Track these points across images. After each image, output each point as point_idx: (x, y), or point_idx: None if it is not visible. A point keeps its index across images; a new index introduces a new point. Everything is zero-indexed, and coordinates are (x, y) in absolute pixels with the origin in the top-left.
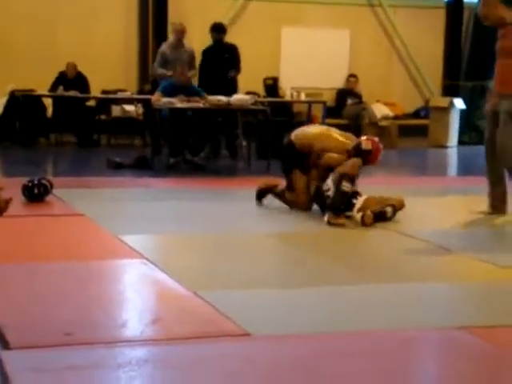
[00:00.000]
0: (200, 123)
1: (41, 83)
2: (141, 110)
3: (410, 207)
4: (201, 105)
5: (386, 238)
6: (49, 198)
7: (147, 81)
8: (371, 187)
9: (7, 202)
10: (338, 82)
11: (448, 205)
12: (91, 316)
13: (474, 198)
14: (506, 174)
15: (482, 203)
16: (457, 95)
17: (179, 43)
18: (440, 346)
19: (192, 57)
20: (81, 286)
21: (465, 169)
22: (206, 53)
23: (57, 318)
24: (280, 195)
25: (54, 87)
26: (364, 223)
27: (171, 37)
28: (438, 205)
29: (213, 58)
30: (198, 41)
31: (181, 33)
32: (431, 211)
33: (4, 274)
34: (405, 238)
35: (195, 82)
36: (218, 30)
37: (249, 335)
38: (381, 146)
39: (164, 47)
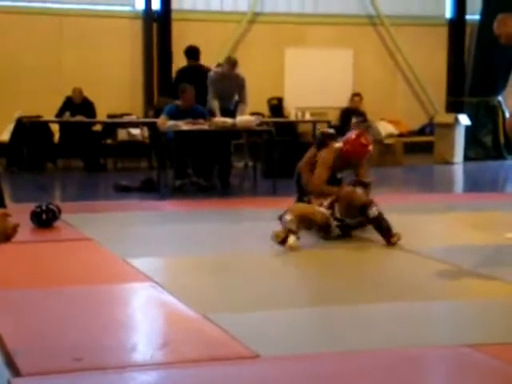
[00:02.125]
0: (205, 145)
1: (48, 109)
2: (147, 133)
3: (417, 224)
4: (206, 127)
5: (394, 255)
6: (57, 223)
7: (152, 105)
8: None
9: (14, 227)
10: (343, 101)
11: (455, 221)
12: (101, 340)
13: (482, 214)
14: None
15: (491, 219)
16: (461, 111)
17: (229, 72)
18: (450, 364)
19: (241, 86)
20: (90, 311)
21: (471, 185)
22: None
23: (67, 343)
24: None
25: (60, 113)
26: (392, 243)
27: (224, 66)
28: (445, 221)
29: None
30: (203, 64)
31: (231, 65)
32: (438, 228)
33: (13, 299)
34: (412, 255)
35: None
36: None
37: (258, 357)
38: (365, 138)
39: (213, 76)
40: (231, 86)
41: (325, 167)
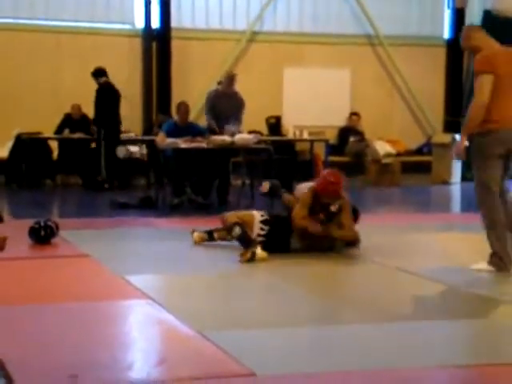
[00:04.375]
0: (204, 163)
1: (47, 126)
2: (145, 150)
3: (413, 244)
4: (204, 145)
5: (388, 274)
6: (55, 239)
7: (151, 125)
8: (375, 226)
9: (3, 239)
10: (340, 120)
11: (452, 241)
12: (97, 358)
13: (479, 235)
14: None
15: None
16: (459, 131)
17: (227, 91)
18: None
19: (239, 107)
20: (86, 327)
21: (468, 205)
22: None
23: (62, 360)
24: None
25: (59, 129)
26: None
27: (223, 82)
28: (442, 241)
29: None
30: (202, 82)
31: (229, 81)
32: (435, 248)
33: (10, 315)
34: (408, 275)
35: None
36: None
37: (254, 375)
38: (333, 176)
39: (212, 94)
40: (229, 106)
41: (302, 206)
